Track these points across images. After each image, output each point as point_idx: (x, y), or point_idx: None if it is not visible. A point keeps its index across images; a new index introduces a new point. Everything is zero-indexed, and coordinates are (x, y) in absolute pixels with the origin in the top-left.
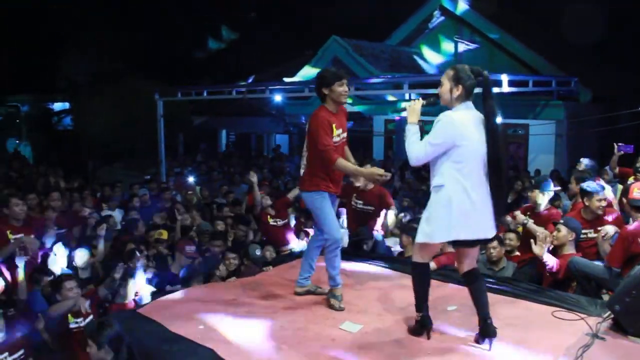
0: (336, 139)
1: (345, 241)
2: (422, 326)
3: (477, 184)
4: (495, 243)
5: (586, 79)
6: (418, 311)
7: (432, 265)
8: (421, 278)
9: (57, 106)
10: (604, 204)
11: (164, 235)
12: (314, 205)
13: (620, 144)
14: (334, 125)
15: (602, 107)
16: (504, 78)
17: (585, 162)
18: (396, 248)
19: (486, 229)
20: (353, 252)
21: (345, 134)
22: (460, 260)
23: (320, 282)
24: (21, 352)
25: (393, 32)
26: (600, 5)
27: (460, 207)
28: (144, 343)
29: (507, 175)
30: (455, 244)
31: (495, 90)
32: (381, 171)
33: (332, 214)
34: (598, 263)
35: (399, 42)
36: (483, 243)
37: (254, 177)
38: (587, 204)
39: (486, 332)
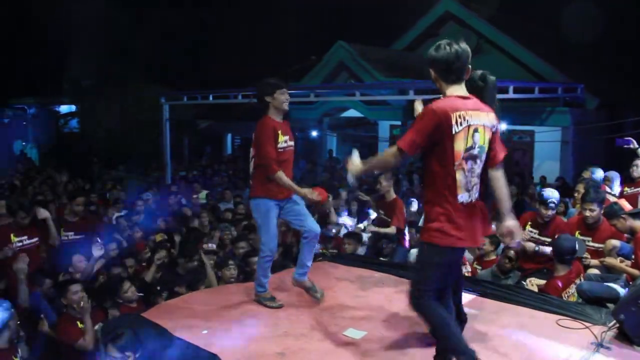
0: (282, 144)
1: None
2: None
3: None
4: (511, 253)
5: (592, 85)
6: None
7: None
8: None
9: (63, 109)
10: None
11: (159, 238)
12: (256, 213)
13: (617, 137)
14: (279, 132)
15: (608, 113)
16: (510, 85)
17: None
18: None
19: None
20: (363, 258)
21: (292, 143)
22: None
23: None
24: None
25: (399, 38)
26: (607, 12)
27: None
28: (147, 347)
29: None
30: None
31: (501, 96)
32: (315, 195)
33: (272, 224)
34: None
35: (405, 47)
36: None
37: None
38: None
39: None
